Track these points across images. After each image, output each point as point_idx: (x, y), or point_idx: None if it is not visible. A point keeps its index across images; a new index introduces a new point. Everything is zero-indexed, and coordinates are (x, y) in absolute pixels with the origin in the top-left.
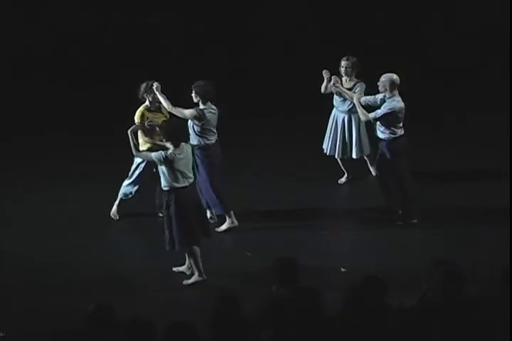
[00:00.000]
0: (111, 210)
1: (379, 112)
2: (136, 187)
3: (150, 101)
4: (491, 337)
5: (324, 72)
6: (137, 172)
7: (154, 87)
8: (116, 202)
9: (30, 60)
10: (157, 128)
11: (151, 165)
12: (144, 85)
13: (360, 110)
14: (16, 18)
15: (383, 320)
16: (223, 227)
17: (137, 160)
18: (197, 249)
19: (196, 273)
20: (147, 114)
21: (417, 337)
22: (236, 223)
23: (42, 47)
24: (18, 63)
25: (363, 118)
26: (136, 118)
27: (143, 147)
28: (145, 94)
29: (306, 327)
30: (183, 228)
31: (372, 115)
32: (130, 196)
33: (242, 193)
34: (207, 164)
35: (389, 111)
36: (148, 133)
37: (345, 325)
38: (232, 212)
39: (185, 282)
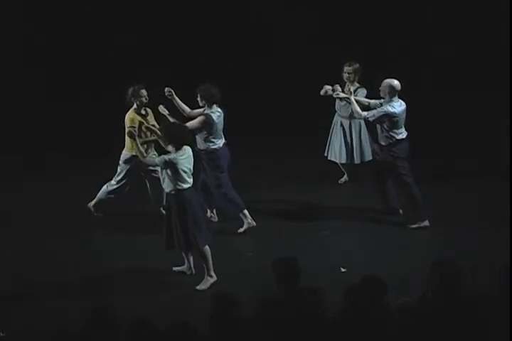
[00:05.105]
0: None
1: (370, 112)
2: (117, 187)
3: (138, 105)
4: (491, 337)
5: (325, 89)
6: (121, 175)
7: (167, 114)
8: (98, 197)
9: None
10: (148, 131)
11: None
12: (131, 89)
13: (354, 108)
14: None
15: (383, 320)
16: (242, 229)
17: (121, 164)
18: (208, 248)
19: (208, 275)
20: (137, 118)
21: (417, 337)
22: (253, 223)
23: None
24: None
25: (356, 115)
26: (129, 122)
27: (132, 150)
28: (132, 98)
29: (306, 327)
30: (196, 228)
31: (364, 113)
32: (111, 196)
33: (242, 193)
34: (214, 167)
35: (379, 113)
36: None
37: (345, 325)
38: (246, 212)
39: (199, 287)
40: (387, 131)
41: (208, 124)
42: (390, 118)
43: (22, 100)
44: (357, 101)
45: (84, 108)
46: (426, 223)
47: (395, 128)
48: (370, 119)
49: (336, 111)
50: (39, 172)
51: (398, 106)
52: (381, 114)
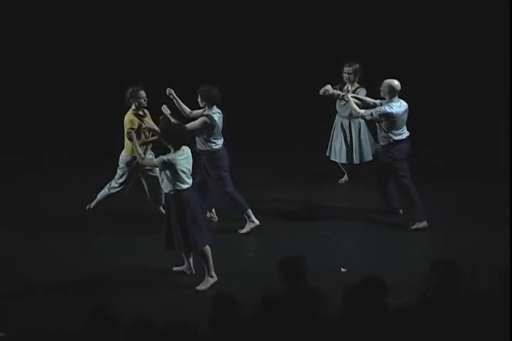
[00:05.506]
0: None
1: (368, 110)
2: (120, 189)
3: (136, 106)
4: (491, 337)
5: (324, 90)
6: (123, 178)
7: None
8: (98, 199)
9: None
10: (146, 131)
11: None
12: (129, 90)
13: (352, 106)
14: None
15: (383, 320)
16: (245, 229)
17: (123, 166)
18: (208, 249)
19: (208, 275)
20: (136, 119)
21: (417, 337)
22: (257, 222)
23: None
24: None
25: (354, 113)
26: (129, 124)
27: (132, 152)
28: (131, 99)
29: (306, 327)
30: (196, 229)
31: (362, 111)
32: (111, 198)
33: (242, 193)
34: (217, 167)
35: (377, 113)
36: (137, 135)
37: (345, 325)
38: (249, 211)
39: (199, 287)
40: (385, 132)
41: (209, 125)
42: (387, 119)
43: (22, 100)
44: (363, 100)
45: (84, 108)
46: (424, 224)
47: (393, 129)
48: (367, 118)
49: (337, 112)
50: (39, 172)
51: (397, 107)
52: (378, 113)
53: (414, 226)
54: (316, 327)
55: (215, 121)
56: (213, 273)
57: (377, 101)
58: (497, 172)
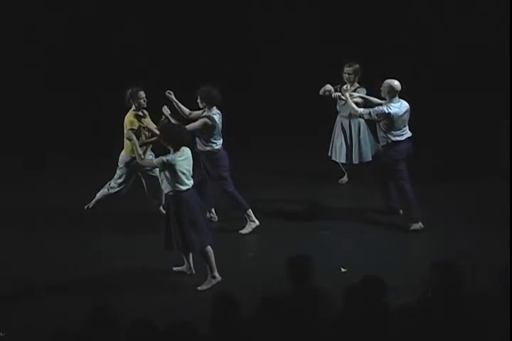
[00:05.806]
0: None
1: (367, 109)
2: (119, 189)
3: (136, 107)
4: (491, 337)
5: (324, 89)
6: (122, 178)
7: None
8: (97, 198)
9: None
10: (146, 132)
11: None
12: (129, 91)
13: (350, 104)
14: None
15: (383, 320)
16: (247, 230)
17: (123, 167)
18: (210, 249)
19: (211, 276)
20: (136, 120)
21: (417, 337)
22: (257, 222)
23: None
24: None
25: (352, 111)
26: (129, 124)
27: (132, 153)
28: (131, 100)
29: (306, 327)
30: (194, 230)
31: (360, 110)
32: (109, 197)
33: (242, 193)
34: (218, 166)
35: (375, 112)
36: (137, 135)
37: (345, 325)
38: (250, 211)
39: (200, 287)
40: (384, 132)
41: (210, 126)
42: (386, 119)
43: (22, 100)
44: (369, 100)
45: (84, 108)
46: (420, 225)
47: (392, 130)
48: (366, 117)
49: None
50: (39, 172)
51: (396, 108)
52: (376, 113)
53: (411, 228)
54: (316, 327)
55: (216, 121)
56: (216, 274)
57: (383, 102)
58: (497, 172)
